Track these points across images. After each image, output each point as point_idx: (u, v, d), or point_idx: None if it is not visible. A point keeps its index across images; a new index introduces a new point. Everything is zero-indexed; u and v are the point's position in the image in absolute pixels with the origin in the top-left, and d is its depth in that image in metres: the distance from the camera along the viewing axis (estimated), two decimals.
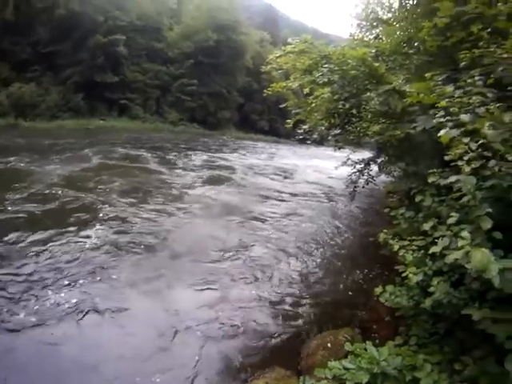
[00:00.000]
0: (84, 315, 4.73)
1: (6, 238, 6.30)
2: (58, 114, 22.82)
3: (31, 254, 5.94)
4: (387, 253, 4.92)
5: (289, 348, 4.66)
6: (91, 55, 24.08)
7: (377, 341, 3.89)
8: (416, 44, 5.96)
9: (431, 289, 2.91)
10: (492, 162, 2.69)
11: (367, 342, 3.17)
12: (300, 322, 5.29)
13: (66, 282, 5.31)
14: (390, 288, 3.49)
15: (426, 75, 3.66)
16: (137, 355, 4.21)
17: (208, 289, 5.82)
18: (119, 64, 26.35)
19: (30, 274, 5.36)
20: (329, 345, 4.42)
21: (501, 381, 2.53)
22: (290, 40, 6.87)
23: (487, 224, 2.53)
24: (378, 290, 3.52)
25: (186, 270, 6.30)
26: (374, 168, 8.43)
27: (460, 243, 2.47)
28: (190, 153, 19.30)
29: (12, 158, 12.03)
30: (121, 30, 25.36)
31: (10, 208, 7.78)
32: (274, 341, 4.84)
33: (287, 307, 5.61)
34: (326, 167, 17.45)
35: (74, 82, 24.06)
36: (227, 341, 4.74)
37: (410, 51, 5.98)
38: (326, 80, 5.87)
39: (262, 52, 33.12)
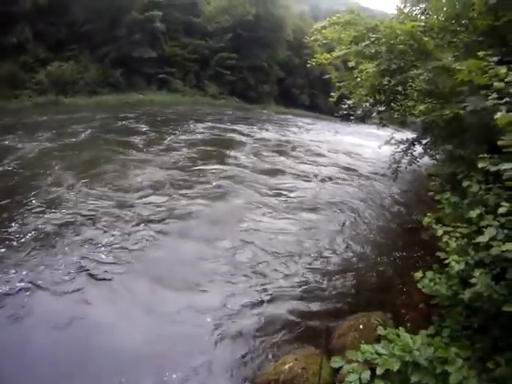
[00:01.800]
0: None
1: None
2: (97, 90, 23.28)
3: None
4: (426, 237, 4.76)
5: (320, 327, 4.64)
6: (128, 32, 24.24)
7: (408, 326, 3.82)
8: (464, 22, 5.51)
9: (473, 280, 2.78)
10: None
11: (400, 328, 3.08)
12: (332, 301, 5.31)
13: None
14: (430, 274, 3.34)
15: (479, 53, 3.38)
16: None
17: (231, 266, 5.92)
18: (157, 39, 26.41)
19: None
20: (361, 327, 4.43)
21: None
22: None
23: None
24: (419, 274, 3.36)
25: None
26: (418, 149, 8.08)
27: None
28: (198, 126, 17.93)
29: (8, 136, 12.09)
30: (157, 6, 25.22)
31: None
32: (305, 319, 4.91)
33: (320, 286, 5.62)
34: (367, 145, 16.85)
35: (111, 58, 24.34)
36: (258, 317, 4.86)
37: (459, 29, 5.54)
38: (373, 51, 5.64)
39: (303, 26, 31.90)
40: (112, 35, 24.01)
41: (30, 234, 6.23)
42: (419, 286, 3.35)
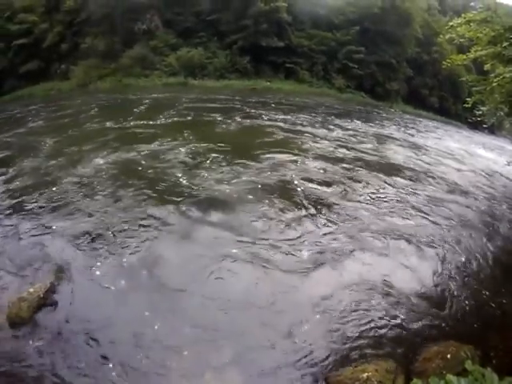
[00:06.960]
0: None
1: None
2: (225, 75, 25.17)
3: None
4: None
5: (406, 344, 4.52)
6: (254, 22, 25.52)
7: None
8: None
9: None
10: None
11: (488, 369, 2.75)
12: (425, 322, 5.00)
13: None
14: None
15: None
16: None
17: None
18: (284, 29, 27.05)
19: None
20: (448, 356, 4.18)
21: None
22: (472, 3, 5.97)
23: None
24: None
25: None
26: None
27: None
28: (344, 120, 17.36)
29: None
30: None
31: None
32: (398, 332, 4.75)
33: (421, 305, 5.30)
34: (495, 160, 14.55)
35: (239, 46, 25.94)
36: (359, 315, 4.87)
37: None
38: None
39: (431, 21, 29.84)
40: (239, 25, 25.88)
41: None
42: None
